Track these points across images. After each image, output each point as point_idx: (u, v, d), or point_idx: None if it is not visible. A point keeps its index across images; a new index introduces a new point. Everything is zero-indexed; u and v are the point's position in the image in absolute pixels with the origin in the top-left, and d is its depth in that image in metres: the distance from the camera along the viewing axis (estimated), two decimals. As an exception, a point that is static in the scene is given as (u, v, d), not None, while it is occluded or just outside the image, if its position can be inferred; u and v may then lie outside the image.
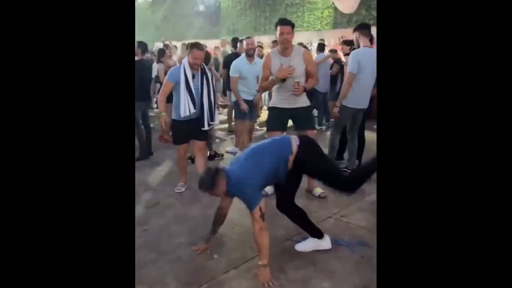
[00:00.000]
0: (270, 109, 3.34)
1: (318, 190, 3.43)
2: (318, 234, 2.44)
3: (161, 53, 5.60)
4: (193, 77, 3.24)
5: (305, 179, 3.52)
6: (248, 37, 4.53)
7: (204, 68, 3.37)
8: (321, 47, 6.45)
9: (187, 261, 2.35)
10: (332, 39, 8.12)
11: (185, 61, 3.25)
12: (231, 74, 4.29)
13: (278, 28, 3.05)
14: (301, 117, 3.27)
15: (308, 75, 3.21)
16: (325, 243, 2.45)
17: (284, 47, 3.07)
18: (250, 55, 4.27)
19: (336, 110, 3.75)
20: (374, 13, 7.95)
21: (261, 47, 6.50)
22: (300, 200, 3.21)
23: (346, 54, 4.42)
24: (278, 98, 3.27)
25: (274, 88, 3.29)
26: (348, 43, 4.86)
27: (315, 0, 8.61)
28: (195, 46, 3.18)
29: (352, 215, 2.98)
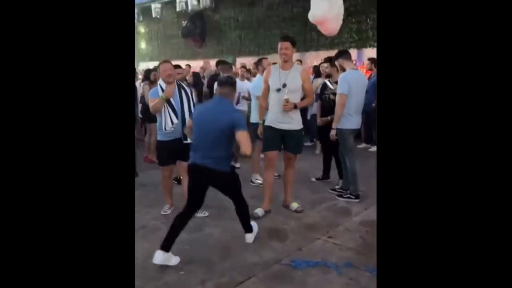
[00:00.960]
0: (266, 128, 3.38)
1: (295, 204, 3.49)
2: (250, 229, 2.84)
3: (147, 73, 5.59)
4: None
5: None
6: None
7: (181, 84, 3.46)
8: (316, 70, 6.25)
9: None
10: (315, 61, 8.31)
11: (160, 80, 3.37)
12: (256, 93, 4.00)
13: (279, 43, 3.30)
14: (292, 140, 3.34)
15: (304, 93, 3.35)
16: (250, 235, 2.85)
17: (283, 59, 3.27)
18: None
19: (333, 132, 3.77)
20: (356, 35, 8.21)
21: (245, 67, 6.56)
22: (281, 219, 3.23)
23: (328, 76, 4.51)
24: (272, 117, 3.34)
25: (270, 105, 3.36)
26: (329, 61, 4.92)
27: (298, 23, 8.85)
28: (162, 62, 3.42)
29: (340, 236, 2.99)
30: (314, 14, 7.54)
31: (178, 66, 4.25)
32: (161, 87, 3.29)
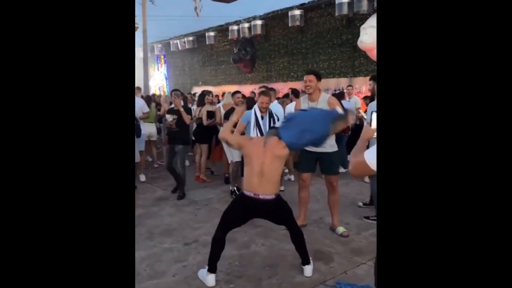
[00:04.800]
0: (302, 151, 3.67)
1: (341, 229, 3.59)
2: (308, 260, 2.75)
3: (202, 97, 5.96)
4: (262, 118, 3.90)
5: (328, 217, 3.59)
6: (238, 91, 5.09)
7: (271, 112, 3.95)
8: (341, 95, 6.54)
9: (224, 299, 2.45)
10: (364, 86, 8.34)
11: (255, 106, 3.93)
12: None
13: (304, 76, 3.59)
14: (325, 162, 3.58)
15: None
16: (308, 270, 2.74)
17: (307, 91, 3.54)
18: None
19: None
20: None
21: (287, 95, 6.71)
22: (327, 242, 3.28)
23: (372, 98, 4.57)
24: None
25: None
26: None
27: (347, 49, 8.97)
28: (262, 93, 3.92)
29: (386, 262, 2.98)
30: (363, 41, 7.67)
31: (238, 92, 4.66)
32: (255, 113, 3.75)
